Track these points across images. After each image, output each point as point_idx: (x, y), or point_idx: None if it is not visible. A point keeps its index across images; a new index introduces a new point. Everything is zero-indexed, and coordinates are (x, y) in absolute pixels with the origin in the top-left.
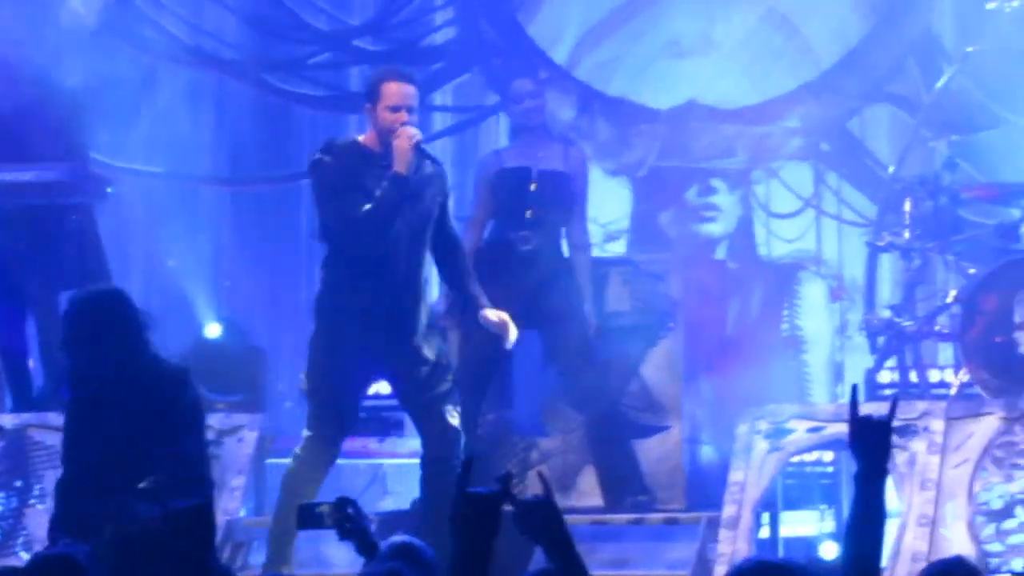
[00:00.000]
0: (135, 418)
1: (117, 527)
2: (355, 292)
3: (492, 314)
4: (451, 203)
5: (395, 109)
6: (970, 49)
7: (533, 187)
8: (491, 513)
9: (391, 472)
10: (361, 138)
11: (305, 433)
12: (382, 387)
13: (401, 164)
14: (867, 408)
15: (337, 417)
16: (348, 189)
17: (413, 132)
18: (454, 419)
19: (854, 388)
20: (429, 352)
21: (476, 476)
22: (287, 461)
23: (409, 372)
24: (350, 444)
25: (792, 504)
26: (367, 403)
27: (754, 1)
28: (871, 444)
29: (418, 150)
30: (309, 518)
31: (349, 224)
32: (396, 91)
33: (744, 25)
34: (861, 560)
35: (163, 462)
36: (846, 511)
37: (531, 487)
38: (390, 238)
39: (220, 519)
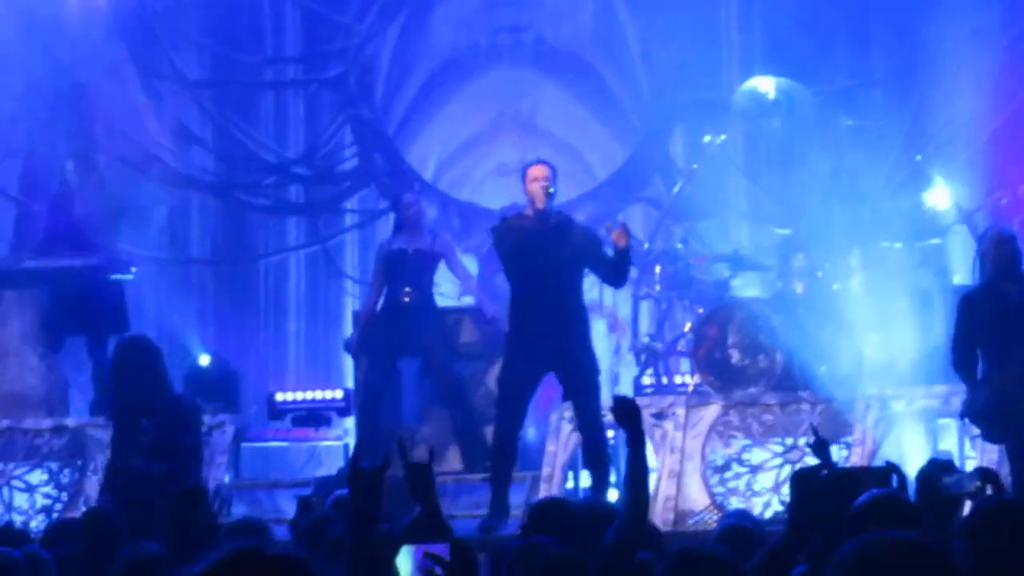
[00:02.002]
0: (158, 422)
1: (126, 476)
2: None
3: None
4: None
5: (535, 179)
6: (694, 166)
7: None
8: (377, 479)
9: (323, 451)
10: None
11: None
12: (319, 392)
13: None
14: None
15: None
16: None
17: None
18: None
19: (615, 395)
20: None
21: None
22: (255, 445)
23: (567, 371)
24: (295, 433)
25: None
26: (306, 403)
27: (552, 138)
28: (630, 419)
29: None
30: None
31: None
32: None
33: (545, 153)
34: (636, 496)
35: (174, 450)
36: (623, 470)
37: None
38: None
39: (210, 484)
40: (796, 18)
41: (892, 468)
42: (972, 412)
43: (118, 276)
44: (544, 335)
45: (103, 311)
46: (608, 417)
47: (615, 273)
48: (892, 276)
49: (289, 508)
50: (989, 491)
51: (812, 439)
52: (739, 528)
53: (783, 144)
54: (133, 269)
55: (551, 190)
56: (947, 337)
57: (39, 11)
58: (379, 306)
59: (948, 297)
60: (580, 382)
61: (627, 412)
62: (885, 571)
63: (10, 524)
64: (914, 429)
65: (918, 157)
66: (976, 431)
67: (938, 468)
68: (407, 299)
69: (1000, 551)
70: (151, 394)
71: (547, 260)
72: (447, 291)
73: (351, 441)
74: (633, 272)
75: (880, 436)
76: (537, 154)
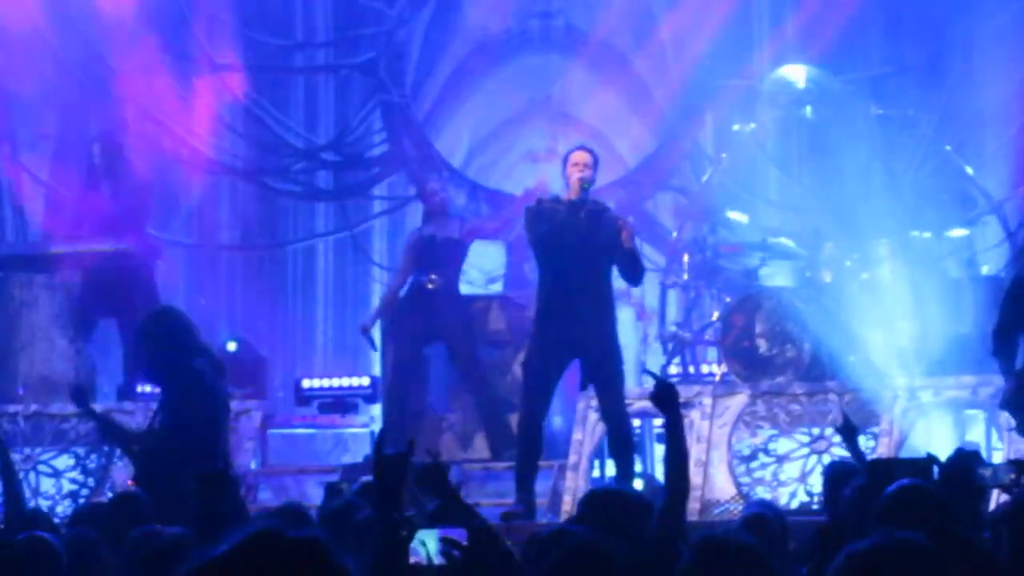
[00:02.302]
0: (177, 394)
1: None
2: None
3: None
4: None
5: (575, 163)
6: (724, 155)
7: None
8: (400, 465)
9: (349, 438)
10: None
11: None
12: (345, 379)
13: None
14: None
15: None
16: None
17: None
18: None
19: (649, 372)
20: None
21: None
22: (282, 431)
23: (592, 360)
24: (321, 419)
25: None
26: (333, 390)
27: (581, 125)
28: (668, 401)
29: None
30: None
31: None
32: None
33: (576, 141)
34: (676, 484)
35: (187, 425)
36: (650, 460)
37: (443, 448)
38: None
39: (239, 470)
40: (827, 5)
41: (933, 460)
42: (1010, 403)
43: (148, 261)
44: (571, 323)
45: (135, 295)
46: (634, 406)
47: (629, 271)
48: (920, 266)
49: (316, 494)
50: None
51: (840, 424)
52: (761, 516)
53: (813, 133)
54: (161, 260)
55: (587, 183)
56: (982, 325)
57: None
58: (404, 293)
59: (976, 287)
60: (605, 372)
61: (666, 396)
62: None
63: (37, 509)
64: (942, 419)
65: (948, 147)
66: (1013, 422)
67: (969, 459)
68: (431, 286)
69: None
70: (170, 364)
71: (577, 247)
72: (475, 279)
73: (377, 428)
74: (661, 260)
75: (907, 426)
76: (572, 141)
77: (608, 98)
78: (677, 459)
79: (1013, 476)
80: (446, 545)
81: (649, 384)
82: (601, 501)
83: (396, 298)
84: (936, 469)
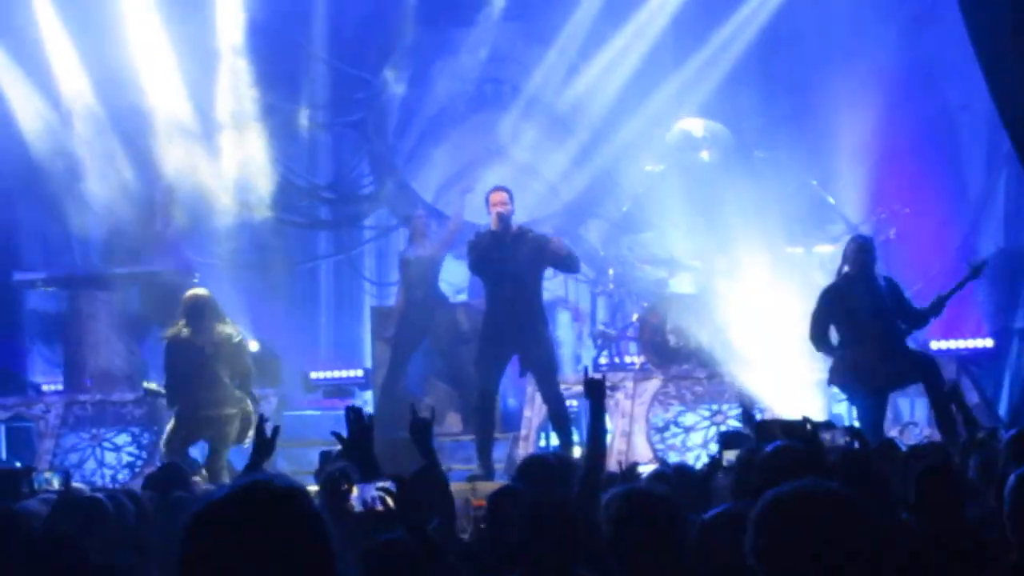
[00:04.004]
0: None
1: None
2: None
3: None
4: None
5: (494, 204)
6: (639, 190)
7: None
8: (362, 418)
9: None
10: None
11: None
12: (344, 370)
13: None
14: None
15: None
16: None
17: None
18: None
19: (584, 368)
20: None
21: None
22: (294, 413)
23: (528, 354)
24: (325, 402)
25: None
26: (334, 379)
27: (527, 168)
28: (596, 393)
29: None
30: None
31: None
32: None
33: (520, 181)
34: (595, 453)
35: None
36: (585, 432)
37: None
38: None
39: None
40: (715, 67)
41: (807, 420)
42: (832, 380)
43: (184, 279)
44: (507, 324)
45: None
46: (572, 389)
47: (562, 264)
48: (795, 276)
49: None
50: (856, 444)
51: (740, 411)
52: (662, 473)
53: (708, 172)
54: (196, 276)
55: (505, 216)
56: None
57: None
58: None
59: None
60: (540, 363)
61: (595, 388)
62: (804, 519)
63: (102, 478)
64: (811, 396)
65: (814, 182)
66: (837, 392)
67: (817, 427)
68: (419, 296)
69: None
70: None
71: (506, 265)
72: (446, 290)
73: (370, 410)
74: (591, 273)
75: (784, 403)
76: (509, 182)
77: (548, 144)
78: (596, 436)
79: (847, 439)
80: (379, 493)
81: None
82: (535, 464)
83: (402, 310)
84: (809, 426)
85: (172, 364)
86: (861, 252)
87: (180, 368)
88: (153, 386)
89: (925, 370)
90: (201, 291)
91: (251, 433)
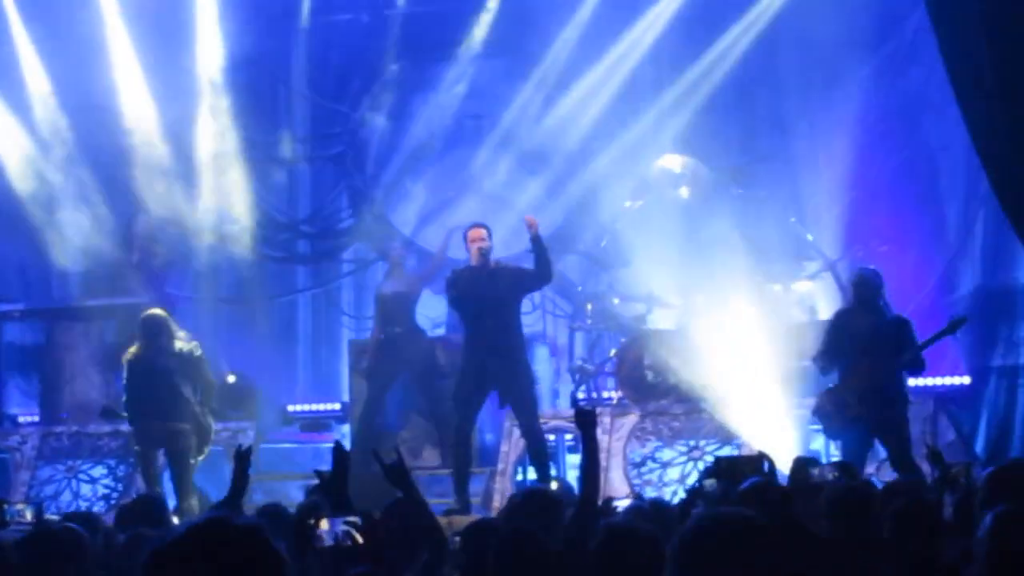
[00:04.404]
0: None
1: None
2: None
3: None
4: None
5: (473, 240)
6: (618, 225)
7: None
8: (345, 456)
9: (325, 451)
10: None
11: None
12: (321, 404)
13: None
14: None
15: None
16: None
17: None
18: None
19: (576, 399)
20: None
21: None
22: (272, 446)
23: (507, 388)
24: (302, 436)
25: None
26: (311, 412)
27: (502, 200)
28: (587, 425)
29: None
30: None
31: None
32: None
33: (496, 214)
34: (591, 485)
35: None
36: (562, 466)
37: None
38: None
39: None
40: (692, 99)
41: (763, 456)
42: (817, 414)
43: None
44: (486, 359)
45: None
46: (549, 423)
47: (538, 270)
48: (773, 312)
49: (297, 495)
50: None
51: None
52: (639, 508)
53: (687, 209)
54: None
55: (484, 251)
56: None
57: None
58: (377, 340)
59: (816, 329)
60: (520, 397)
61: (586, 419)
62: (717, 543)
63: (78, 509)
64: (790, 432)
65: (793, 219)
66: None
67: (806, 463)
68: (397, 330)
69: (853, 524)
70: None
71: (486, 301)
72: (424, 324)
73: (347, 443)
74: (568, 308)
75: (761, 438)
76: (487, 216)
77: (524, 178)
78: (591, 468)
79: (836, 474)
80: (347, 528)
81: (565, 406)
82: (524, 499)
83: (377, 344)
84: (767, 464)
85: (132, 383)
86: (856, 287)
87: (140, 385)
88: (112, 407)
89: (886, 436)
90: (156, 310)
91: (207, 449)
